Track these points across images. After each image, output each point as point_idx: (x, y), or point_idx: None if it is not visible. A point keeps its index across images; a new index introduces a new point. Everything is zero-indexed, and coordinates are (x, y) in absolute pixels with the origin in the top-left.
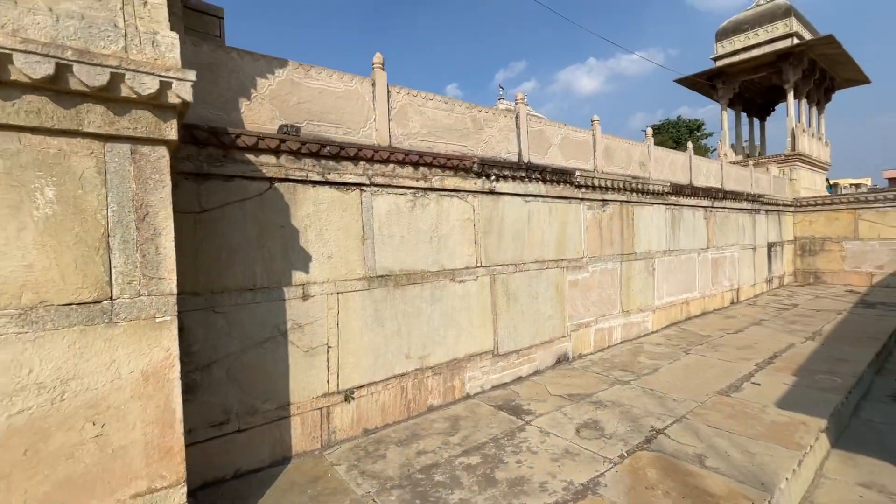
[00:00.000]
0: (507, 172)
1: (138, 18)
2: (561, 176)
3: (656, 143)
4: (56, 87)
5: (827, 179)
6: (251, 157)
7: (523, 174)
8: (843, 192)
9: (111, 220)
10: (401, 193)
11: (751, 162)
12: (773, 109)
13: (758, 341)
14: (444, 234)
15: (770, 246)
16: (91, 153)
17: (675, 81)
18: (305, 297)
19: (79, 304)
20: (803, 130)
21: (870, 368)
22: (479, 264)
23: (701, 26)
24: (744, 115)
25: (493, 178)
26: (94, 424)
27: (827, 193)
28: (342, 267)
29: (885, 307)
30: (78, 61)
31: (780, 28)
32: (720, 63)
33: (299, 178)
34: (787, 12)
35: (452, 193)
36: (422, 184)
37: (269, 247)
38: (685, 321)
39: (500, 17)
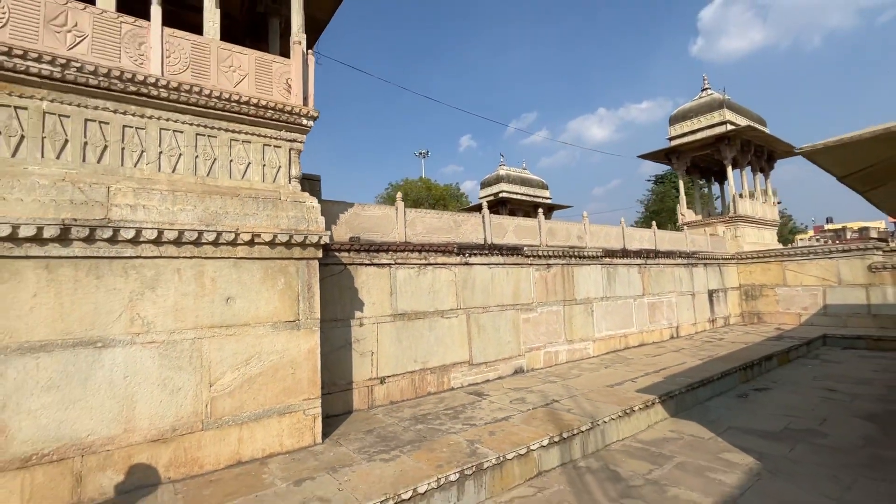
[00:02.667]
0: (476, 251)
1: (310, 213)
2: (514, 250)
3: (659, 192)
4: (286, 242)
5: (831, 221)
6: (336, 254)
7: (487, 251)
8: (802, 244)
9: (299, 289)
10: (411, 267)
11: (686, 227)
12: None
13: (663, 361)
14: (437, 290)
15: (711, 292)
16: (294, 265)
17: (638, 157)
18: (361, 325)
19: (289, 321)
20: (741, 196)
21: (728, 376)
22: (459, 307)
23: (705, 76)
24: (704, 180)
25: (467, 254)
26: (291, 368)
27: (778, 246)
28: (379, 309)
29: (789, 339)
30: (294, 232)
31: (716, 117)
32: (673, 143)
33: (358, 263)
34: (721, 104)
35: (442, 265)
36: (423, 261)
37: (343, 299)
38: (623, 349)
39: (511, 72)
